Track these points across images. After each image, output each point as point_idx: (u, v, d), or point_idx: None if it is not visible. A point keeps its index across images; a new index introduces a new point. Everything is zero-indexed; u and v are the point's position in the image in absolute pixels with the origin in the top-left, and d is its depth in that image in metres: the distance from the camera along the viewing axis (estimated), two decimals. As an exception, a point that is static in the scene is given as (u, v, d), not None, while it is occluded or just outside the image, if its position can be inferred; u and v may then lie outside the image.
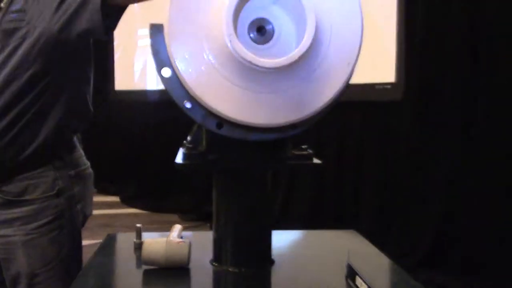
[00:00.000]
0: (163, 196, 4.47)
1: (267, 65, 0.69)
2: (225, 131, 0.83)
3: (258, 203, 0.96)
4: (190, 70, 0.73)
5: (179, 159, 0.91)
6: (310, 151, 0.94)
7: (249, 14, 0.74)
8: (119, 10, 1.12)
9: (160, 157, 4.31)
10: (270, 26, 0.77)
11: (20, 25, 1.17)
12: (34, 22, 1.16)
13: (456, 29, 2.77)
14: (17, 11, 1.19)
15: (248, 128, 0.81)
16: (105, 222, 3.84)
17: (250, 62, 0.69)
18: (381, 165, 3.13)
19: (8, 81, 1.18)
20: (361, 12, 0.74)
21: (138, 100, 4.69)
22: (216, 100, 0.74)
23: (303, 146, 0.95)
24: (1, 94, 1.18)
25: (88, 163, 1.35)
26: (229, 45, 0.69)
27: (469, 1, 2.71)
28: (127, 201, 4.67)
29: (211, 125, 0.82)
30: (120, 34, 3.94)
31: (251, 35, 0.77)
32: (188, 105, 0.81)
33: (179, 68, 0.73)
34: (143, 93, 4.66)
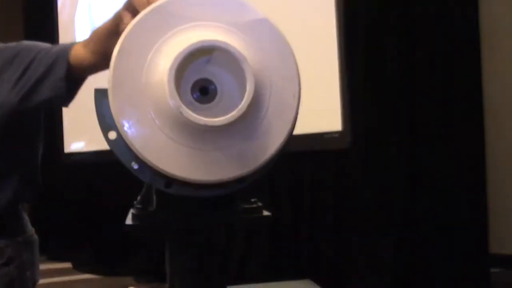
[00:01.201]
0: (117, 260, 4.36)
1: (209, 124, 0.71)
2: (174, 189, 0.83)
3: (211, 263, 0.96)
4: (134, 132, 0.74)
5: (128, 220, 0.91)
6: (259, 203, 0.96)
7: (192, 75, 0.76)
8: (82, 80, 1.13)
9: (113, 220, 4.22)
10: (213, 86, 0.79)
11: None
12: None
13: (394, 73, 2.90)
14: None
15: (196, 186, 0.82)
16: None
17: (192, 122, 0.71)
18: (335, 213, 3.17)
19: None
20: (297, 68, 0.78)
21: (89, 161, 4.62)
22: (163, 160, 0.75)
23: (252, 199, 0.96)
24: None
25: (33, 229, 1.33)
26: (171, 104, 0.71)
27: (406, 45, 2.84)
28: (80, 267, 4.52)
29: (160, 184, 0.83)
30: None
31: (195, 95, 0.79)
32: (135, 166, 0.82)
33: (123, 130, 0.74)
34: (95, 154, 4.61)
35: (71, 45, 1.10)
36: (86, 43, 1.08)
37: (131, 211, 0.93)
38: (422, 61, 2.82)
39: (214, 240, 0.96)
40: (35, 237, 1.30)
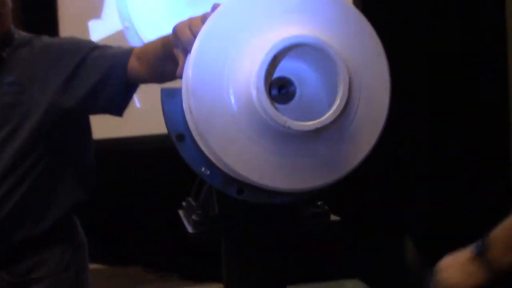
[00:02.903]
0: (125, 249, 4.31)
1: (302, 129, 0.65)
2: (245, 196, 0.77)
3: (275, 267, 0.90)
4: (212, 135, 0.68)
5: (189, 227, 0.85)
6: (325, 207, 0.90)
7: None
8: (135, 87, 1.06)
9: (121, 209, 4.16)
10: (293, 86, 0.73)
11: (19, 100, 1.09)
12: (37, 98, 1.08)
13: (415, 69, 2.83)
14: (11, 84, 1.11)
15: (271, 192, 0.76)
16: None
17: (282, 126, 0.64)
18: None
19: (14, 162, 1.09)
20: (386, 62, 0.71)
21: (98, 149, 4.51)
22: (241, 165, 0.69)
23: (318, 203, 0.90)
24: (7, 176, 1.09)
25: (82, 231, 1.27)
26: (259, 107, 0.64)
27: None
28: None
29: (231, 191, 0.77)
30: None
31: (272, 93, 0.72)
32: (206, 171, 0.76)
33: (201, 132, 0.68)
34: (104, 142, 4.50)
35: (127, 54, 1.03)
36: (139, 56, 1.01)
37: (190, 216, 0.87)
38: (446, 57, 2.74)
39: (278, 245, 0.90)
40: (85, 239, 1.25)
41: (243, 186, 0.77)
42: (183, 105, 0.73)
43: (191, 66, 0.66)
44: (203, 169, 0.76)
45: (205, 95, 0.66)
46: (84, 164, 1.20)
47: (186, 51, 0.72)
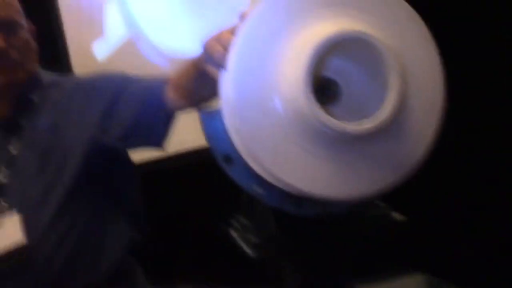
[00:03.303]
0: (173, 270, 4.29)
1: (358, 130, 0.60)
2: (304, 210, 0.73)
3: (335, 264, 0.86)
4: (263, 151, 0.64)
5: (248, 250, 0.81)
6: (387, 208, 0.85)
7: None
8: (174, 117, 1.03)
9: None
10: (337, 86, 0.68)
11: (56, 144, 1.07)
12: (74, 139, 1.05)
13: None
14: (46, 128, 1.08)
15: (329, 203, 0.72)
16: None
17: (337, 130, 0.60)
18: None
19: (60, 210, 1.06)
20: (436, 50, 0.66)
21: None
22: (297, 178, 0.65)
23: (378, 203, 0.85)
24: (55, 225, 1.07)
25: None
26: (309, 114, 0.60)
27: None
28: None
29: (290, 207, 0.73)
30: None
31: (316, 95, 0.68)
32: (260, 190, 0.72)
33: (251, 151, 0.64)
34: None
35: (163, 84, 0.99)
36: (174, 83, 0.97)
37: (251, 239, 0.83)
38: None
39: (342, 256, 0.86)
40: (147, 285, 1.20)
41: (299, 200, 0.73)
42: (227, 125, 0.69)
43: (230, 85, 0.63)
44: (255, 188, 0.72)
45: (250, 112, 0.62)
46: (132, 202, 1.16)
47: (220, 67, 0.68)
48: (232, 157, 0.72)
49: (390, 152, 0.65)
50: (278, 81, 0.62)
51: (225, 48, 0.65)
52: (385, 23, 0.64)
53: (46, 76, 1.15)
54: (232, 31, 0.67)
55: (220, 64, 0.67)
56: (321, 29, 0.61)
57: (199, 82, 0.87)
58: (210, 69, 0.71)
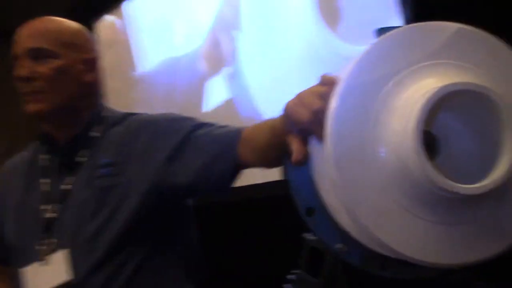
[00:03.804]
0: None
1: (470, 193, 0.55)
2: (389, 272, 0.67)
3: None
4: (361, 207, 0.59)
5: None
6: (468, 272, 0.79)
7: None
8: (240, 171, 0.99)
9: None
10: (436, 142, 0.63)
11: (116, 182, 1.03)
12: (135, 179, 1.01)
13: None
14: (107, 165, 1.05)
15: (416, 267, 0.66)
16: None
17: (448, 190, 0.55)
18: None
19: (110, 251, 1.02)
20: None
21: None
22: (396, 240, 0.59)
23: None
24: (103, 266, 1.02)
25: None
26: (418, 172, 0.55)
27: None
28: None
29: (373, 268, 0.67)
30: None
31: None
32: (341, 246, 0.67)
33: (348, 206, 0.59)
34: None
35: (237, 137, 0.95)
36: (248, 140, 0.94)
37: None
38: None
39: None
40: None
41: (384, 262, 0.67)
42: (315, 177, 0.65)
43: (330, 136, 0.58)
44: (337, 244, 0.67)
45: (350, 163, 0.57)
46: (190, 252, 1.11)
47: (304, 132, 0.65)
48: (315, 209, 0.67)
49: (497, 218, 0.60)
50: (383, 133, 0.58)
51: (312, 113, 0.62)
52: (493, 74, 0.60)
53: (113, 113, 1.13)
54: (314, 93, 0.64)
55: (304, 129, 0.63)
56: (430, 80, 0.57)
57: (272, 147, 0.84)
58: (290, 138, 0.67)
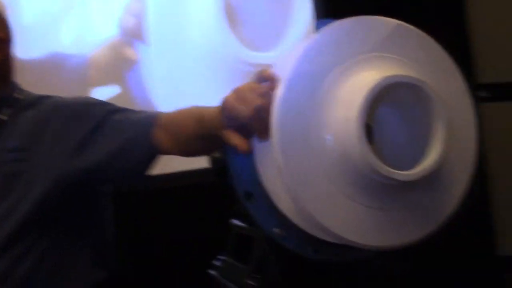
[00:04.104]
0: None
1: (407, 179, 0.59)
2: (323, 255, 0.70)
3: None
4: (305, 193, 0.60)
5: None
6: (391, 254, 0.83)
7: None
8: (157, 156, 0.95)
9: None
10: (369, 132, 0.67)
11: (22, 167, 0.96)
12: (43, 165, 0.95)
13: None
14: (14, 150, 0.98)
15: (348, 250, 0.69)
16: None
17: (386, 177, 0.58)
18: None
19: (15, 236, 0.96)
20: (471, 100, 0.67)
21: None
22: (338, 224, 0.62)
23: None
24: (8, 250, 0.96)
25: None
26: (360, 159, 0.58)
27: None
28: None
29: (307, 251, 0.70)
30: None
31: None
32: (278, 230, 0.69)
33: (293, 192, 0.60)
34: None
35: (152, 123, 0.92)
36: (166, 127, 0.91)
37: (248, 282, 0.78)
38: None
39: None
40: None
41: (319, 245, 0.70)
42: (254, 164, 0.66)
43: (276, 123, 0.59)
44: (274, 228, 0.69)
45: (295, 152, 0.59)
46: (101, 239, 1.07)
47: (244, 127, 0.66)
48: (253, 194, 0.69)
49: (428, 202, 0.64)
50: (327, 121, 0.60)
51: (252, 110, 0.64)
52: (427, 69, 0.64)
53: (27, 95, 1.06)
54: (251, 89, 0.65)
55: (244, 124, 0.65)
56: (373, 72, 0.60)
57: (196, 139, 0.83)
58: (226, 133, 0.69)
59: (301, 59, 0.61)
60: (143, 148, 0.93)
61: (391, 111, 0.66)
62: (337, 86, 0.60)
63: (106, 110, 0.97)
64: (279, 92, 0.60)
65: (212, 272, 0.87)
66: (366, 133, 0.66)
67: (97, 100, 1.02)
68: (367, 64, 0.61)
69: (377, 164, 0.57)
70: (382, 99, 0.63)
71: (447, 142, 0.60)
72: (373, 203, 0.62)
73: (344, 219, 0.61)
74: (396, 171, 0.58)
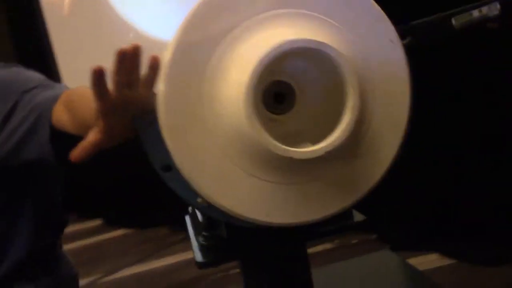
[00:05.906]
0: (149, 210, 4.27)
1: (306, 157, 0.53)
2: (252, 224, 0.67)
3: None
4: (201, 175, 0.56)
5: (198, 256, 0.75)
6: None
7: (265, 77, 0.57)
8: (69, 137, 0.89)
9: (140, 170, 4.08)
10: (292, 92, 0.60)
11: None
12: None
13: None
14: None
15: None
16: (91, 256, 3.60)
17: (282, 155, 0.53)
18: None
19: None
20: (402, 50, 0.58)
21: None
22: (241, 205, 0.58)
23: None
24: None
25: (72, 265, 1.15)
26: (251, 138, 0.52)
27: None
28: (111, 223, 4.45)
29: (234, 220, 0.66)
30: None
31: (266, 104, 0.60)
32: (200, 201, 0.65)
33: (187, 176, 0.56)
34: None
35: (52, 101, 0.86)
36: (67, 105, 0.84)
37: (200, 241, 0.77)
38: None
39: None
40: (74, 271, 1.12)
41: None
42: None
43: (161, 104, 0.54)
44: (199, 200, 0.65)
45: (184, 132, 0.54)
46: (45, 204, 1.07)
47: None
48: (172, 166, 0.65)
49: (344, 173, 0.58)
50: (219, 92, 0.54)
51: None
52: (348, 26, 0.56)
53: None
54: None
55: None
56: (271, 35, 0.52)
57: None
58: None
59: (188, 24, 0.54)
60: (45, 128, 0.88)
61: (311, 71, 0.58)
62: (229, 52, 0.54)
63: (23, 89, 0.93)
64: (163, 67, 0.54)
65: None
66: (284, 92, 0.60)
67: (21, 75, 0.98)
68: (265, 24, 0.54)
69: (270, 143, 0.52)
70: (296, 55, 0.55)
71: (359, 117, 0.54)
72: (283, 178, 0.57)
73: (247, 198, 0.56)
74: (293, 149, 0.53)
